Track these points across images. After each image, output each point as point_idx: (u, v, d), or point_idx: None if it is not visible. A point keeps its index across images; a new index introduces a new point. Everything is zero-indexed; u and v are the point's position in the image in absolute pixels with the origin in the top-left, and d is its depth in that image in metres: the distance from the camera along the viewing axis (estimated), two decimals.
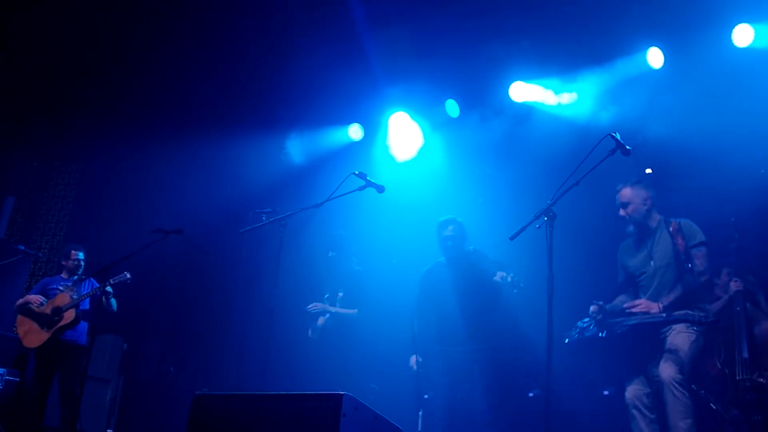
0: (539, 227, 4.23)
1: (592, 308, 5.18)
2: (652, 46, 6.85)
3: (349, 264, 7.09)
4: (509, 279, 5.88)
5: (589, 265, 6.85)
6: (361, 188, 5.23)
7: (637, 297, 5.28)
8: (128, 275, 6.72)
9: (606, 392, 6.56)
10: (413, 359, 6.45)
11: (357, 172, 5.19)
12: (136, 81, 8.66)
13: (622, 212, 5.27)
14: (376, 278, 7.22)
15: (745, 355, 5.51)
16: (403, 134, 8.39)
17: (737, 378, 5.52)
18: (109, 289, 6.66)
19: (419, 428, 7.23)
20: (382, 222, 7.72)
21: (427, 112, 8.29)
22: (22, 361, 7.38)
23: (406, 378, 7.52)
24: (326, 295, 7.09)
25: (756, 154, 6.35)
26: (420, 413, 7.27)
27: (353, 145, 8.74)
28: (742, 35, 6.44)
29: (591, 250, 6.92)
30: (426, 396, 7.42)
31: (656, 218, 5.30)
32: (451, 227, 6.40)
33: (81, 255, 7.22)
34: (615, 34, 6.84)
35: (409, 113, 8.31)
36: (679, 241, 5.07)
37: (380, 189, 5.21)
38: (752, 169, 6.51)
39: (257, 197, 7.51)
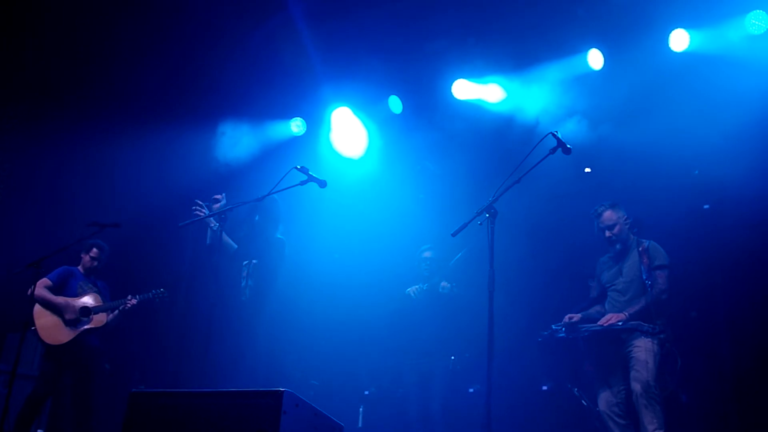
0: (481, 224, 4.29)
1: (566, 318, 5.58)
2: (592, 47, 6.99)
3: (275, 232, 6.33)
4: (447, 288, 6.46)
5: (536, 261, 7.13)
6: (303, 183, 5.16)
7: (605, 307, 5.73)
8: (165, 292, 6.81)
9: (544, 387, 6.79)
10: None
11: (299, 167, 5.13)
12: (66, 70, 8.36)
13: (608, 233, 5.67)
14: (321, 273, 7.14)
15: None
16: (346, 129, 8.35)
17: None
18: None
19: (360, 424, 7.25)
20: (325, 216, 7.66)
21: (369, 108, 8.27)
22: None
23: (346, 374, 7.51)
24: (245, 262, 6.41)
25: (691, 155, 6.55)
26: (360, 409, 7.28)
27: (296, 140, 8.66)
28: (679, 40, 6.64)
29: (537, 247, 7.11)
30: (366, 392, 7.43)
31: (631, 237, 5.73)
32: (428, 252, 6.79)
33: (103, 255, 6.90)
34: (558, 35, 6.96)
35: (351, 109, 8.28)
36: (645, 261, 5.50)
37: (322, 184, 5.16)
38: (687, 170, 6.71)
39: (197, 190, 7.34)
